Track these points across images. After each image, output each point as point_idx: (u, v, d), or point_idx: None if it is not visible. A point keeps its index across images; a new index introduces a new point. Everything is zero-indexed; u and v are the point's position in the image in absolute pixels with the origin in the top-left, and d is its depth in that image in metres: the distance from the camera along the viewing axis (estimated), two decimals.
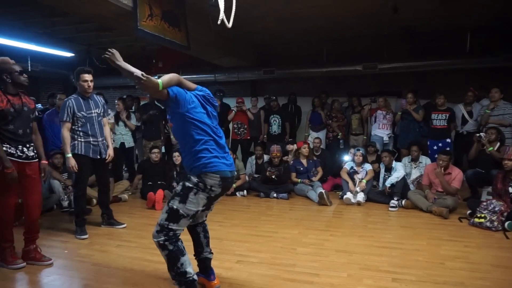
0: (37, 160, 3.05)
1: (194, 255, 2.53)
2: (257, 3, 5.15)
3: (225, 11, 2.72)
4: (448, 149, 5.22)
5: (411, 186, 5.13)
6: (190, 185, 2.16)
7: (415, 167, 5.35)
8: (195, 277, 2.24)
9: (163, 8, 4.56)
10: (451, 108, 5.62)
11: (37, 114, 3.34)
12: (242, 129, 6.76)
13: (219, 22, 2.73)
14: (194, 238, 2.52)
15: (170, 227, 2.16)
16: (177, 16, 4.90)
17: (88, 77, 3.58)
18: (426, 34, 6.82)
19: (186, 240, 2.51)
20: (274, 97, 6.83)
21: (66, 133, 3.52)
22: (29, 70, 7.23)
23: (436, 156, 4.79)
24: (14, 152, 2.85)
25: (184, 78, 2.33)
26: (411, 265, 2.89)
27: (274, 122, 6.74)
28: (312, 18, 6.04)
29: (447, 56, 6.75)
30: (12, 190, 2.88)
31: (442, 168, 4.53)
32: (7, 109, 2.78)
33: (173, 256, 2.17)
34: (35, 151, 3.02)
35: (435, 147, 5.55)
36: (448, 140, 5.54)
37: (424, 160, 5.33)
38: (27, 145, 2.95)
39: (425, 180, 4.81)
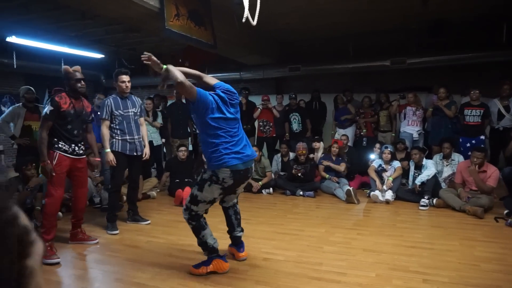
0: (85, 156, 3.38)
1: (228, 231, 2.97)
2: None
3: (249, 9, 2.72)
4: (482, 146, 5.00)
5: (443, 185, 4.95)
6: (206, 178, 2.55)
7: (447, 165, 5.15)
8: (216, 245, 2.70)
9: (189, 8, 4.62)
10: (485, 104, 5.36)
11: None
12: (267, 127, 6.76)
13: (244, 20, 2.74)
14: (227, 219, 2.97)
15: (191, 208, 2.61)
16: (203, 15, 4.95)
17: (125, 78, 3.77)
18: (458, 26, 6.54)
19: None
20: (293, 95, 6.78)
21: (105, 130, 3.71)
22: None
23: (470, 153, 4.59)
24: (68, 149, 3.19)
25: (210, 76, 2.63)
26: (443, 266, 2.79)
27: (294, 120, 6.71)
28: (337, 13, 5.92)
29: (481, 48, 6.44)
30: (62, 183, 3.17)
31: (477, 166, 4.35)
32: (68, 111, 3.12)
33: (196, 230, 2.67)
34: (83, 150, 3.34)
35: (467, 145, 5.32)
36: (482, 137, 5.28)
37: (457, 157, 5.12)
38: (79, 144, 3.30)
39: (458, 178, 4.62)
